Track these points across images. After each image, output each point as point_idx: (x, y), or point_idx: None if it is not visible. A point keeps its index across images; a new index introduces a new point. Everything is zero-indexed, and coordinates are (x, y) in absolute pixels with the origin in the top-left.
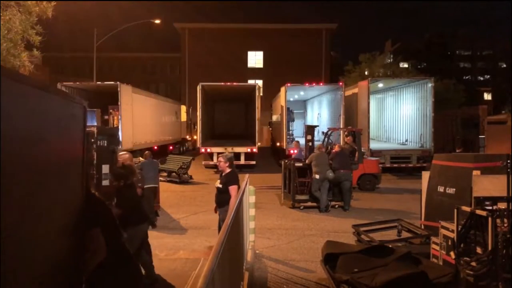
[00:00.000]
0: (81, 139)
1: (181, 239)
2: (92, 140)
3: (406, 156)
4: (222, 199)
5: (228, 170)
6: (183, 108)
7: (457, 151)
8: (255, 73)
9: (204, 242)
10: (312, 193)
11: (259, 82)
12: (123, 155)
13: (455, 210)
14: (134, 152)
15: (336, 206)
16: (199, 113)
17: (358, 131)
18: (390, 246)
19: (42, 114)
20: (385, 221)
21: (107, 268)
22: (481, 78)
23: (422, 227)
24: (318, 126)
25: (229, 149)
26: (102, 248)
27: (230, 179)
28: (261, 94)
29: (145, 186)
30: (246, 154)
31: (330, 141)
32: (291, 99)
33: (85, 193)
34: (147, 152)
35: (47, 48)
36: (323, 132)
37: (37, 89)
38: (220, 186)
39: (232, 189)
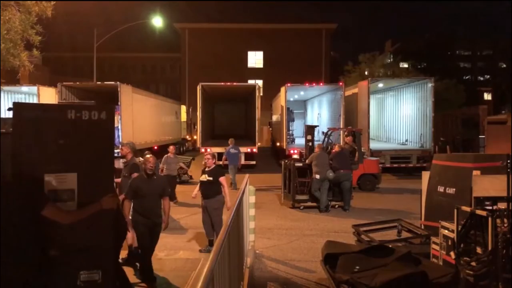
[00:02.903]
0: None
1: (181, 239)
2: None
3: (406, 156)
4: (211, 190)
5: (213, 165)
6: (183, 108)
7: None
8: (255, 73)
9: (204, 242)
10: (312, 193)
11: (259, 82)
12: None
13: (455, 210)
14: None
15: (336, 206)
16: (199, 113)
17: (358, 131)
18: (390, 246)
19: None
20: (385, 221)
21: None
22: (481, 78)
23: (422, 227)
24: (318, 126)
25: None
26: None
27: (218, 172)
28: (261, 94)
29: None
30: (246, 154)
31: (330, 141)
32: (291, 99)
33: None
34: (147, 152)
35: (47, 48)
36: (323, 132)
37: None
38: (211, 178)
39: (223, 179)
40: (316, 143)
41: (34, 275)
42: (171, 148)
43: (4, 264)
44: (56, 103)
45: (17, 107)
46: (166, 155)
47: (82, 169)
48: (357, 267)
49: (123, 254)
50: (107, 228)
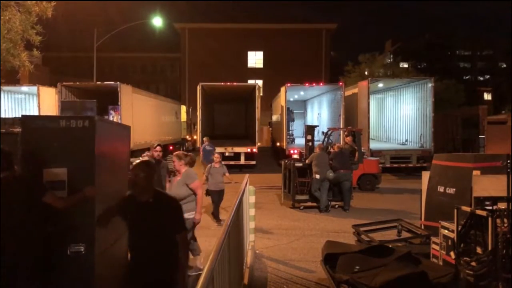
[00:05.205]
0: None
1: None
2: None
3: (406, 156)
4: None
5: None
6: (183, 108)
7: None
8: (255, 73)
9: (204, 242)
10: (312, 193)
11: (259, 82)
12: None
13: (455, 210)
14: (134, 152)
15: (336, 206)
16: (199, 113)
17: (358, 131)
18: (390, 246)
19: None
20: (385, 221)
21: None
22: (481, 78)
23: (422, 227)
24: (318, 126)
25: (229, 149)
26: None
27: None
28: (261, 94)
29: None
30: (246, 154)
31: (330, 141)
32: (291, 99)
33: None
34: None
35: (47, 48)
36: (323, 132)
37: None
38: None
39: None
40: (316, 143)
41: (35, 245)
42: (216, 155)
43: (12, 236)
44: (58, 102)
45: (24, 118)
46: (210, 165)
47: (70, 165)
48: (357, 267)
49: None
50: (90, 211)
